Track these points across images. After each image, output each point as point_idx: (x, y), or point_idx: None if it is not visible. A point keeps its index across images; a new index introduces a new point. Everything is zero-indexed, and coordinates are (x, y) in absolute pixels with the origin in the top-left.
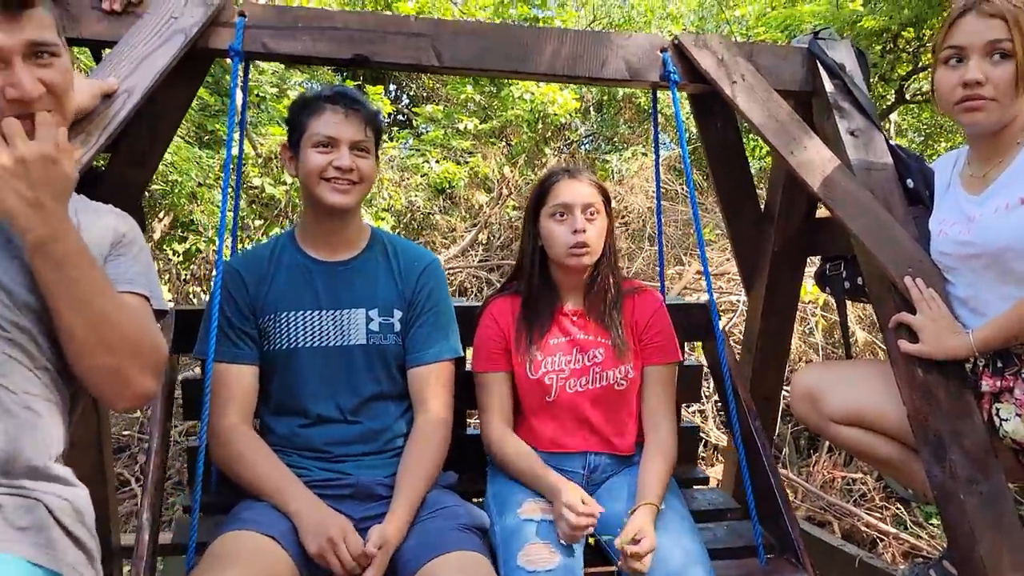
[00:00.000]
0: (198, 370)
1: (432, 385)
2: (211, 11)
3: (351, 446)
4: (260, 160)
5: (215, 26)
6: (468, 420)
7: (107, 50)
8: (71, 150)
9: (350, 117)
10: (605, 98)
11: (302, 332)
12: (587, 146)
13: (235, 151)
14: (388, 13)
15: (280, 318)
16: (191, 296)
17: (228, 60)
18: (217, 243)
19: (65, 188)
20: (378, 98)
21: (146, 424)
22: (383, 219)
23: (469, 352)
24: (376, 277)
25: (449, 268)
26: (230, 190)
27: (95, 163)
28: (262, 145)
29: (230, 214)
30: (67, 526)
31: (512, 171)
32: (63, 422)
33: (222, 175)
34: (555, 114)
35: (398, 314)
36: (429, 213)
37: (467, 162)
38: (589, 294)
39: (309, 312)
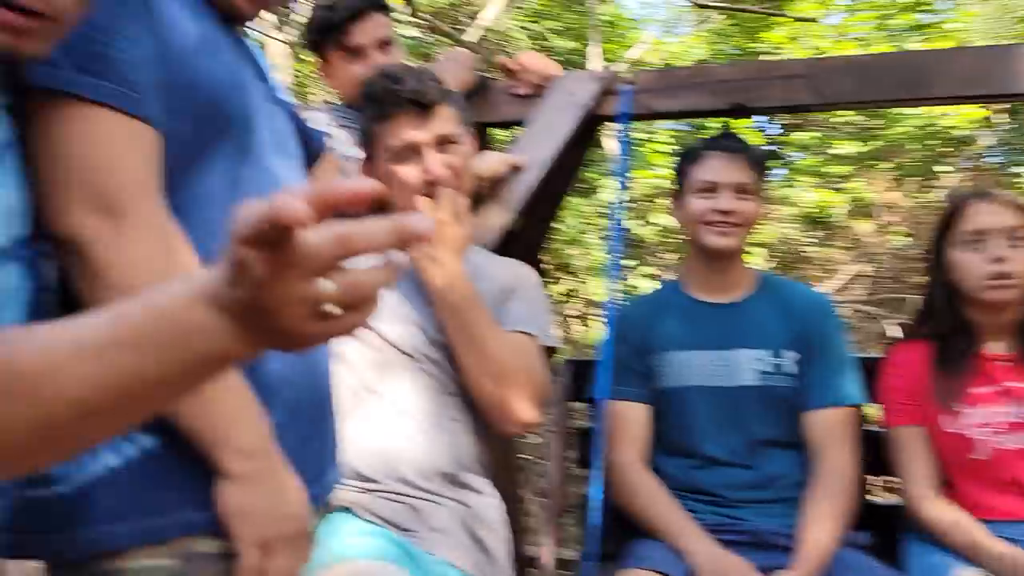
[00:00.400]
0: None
1: (833, 432)
2: (602, 83)
3: (744, 491)
4: (629, 203)
5: (606, 95)
6: (871, 484)
7: (518, 128)
8: (466, 217)
9: (731, 161)
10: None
11: (691, 371)
12: (995, 159)
13: (617, 200)
14: (764, 60)
15: (669, 357)
16: (572, 334)
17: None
18: (607, 286)
19: (459, 246)
20: (746, 131)
21: (543, 448)
22: (751, 254)
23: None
24: (765, 318)
25: None
26: (613, 234)
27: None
28: (631, 189)
29: (611, 257)
30: (476, 531)
31: (900, 195)
32: (473, 440)
33: (600, 220)
34: (953, 127)
35: (791, 355)
36: (802, 245)
37: (845, 188)
38: (1021, 334)
39: (697, 352)
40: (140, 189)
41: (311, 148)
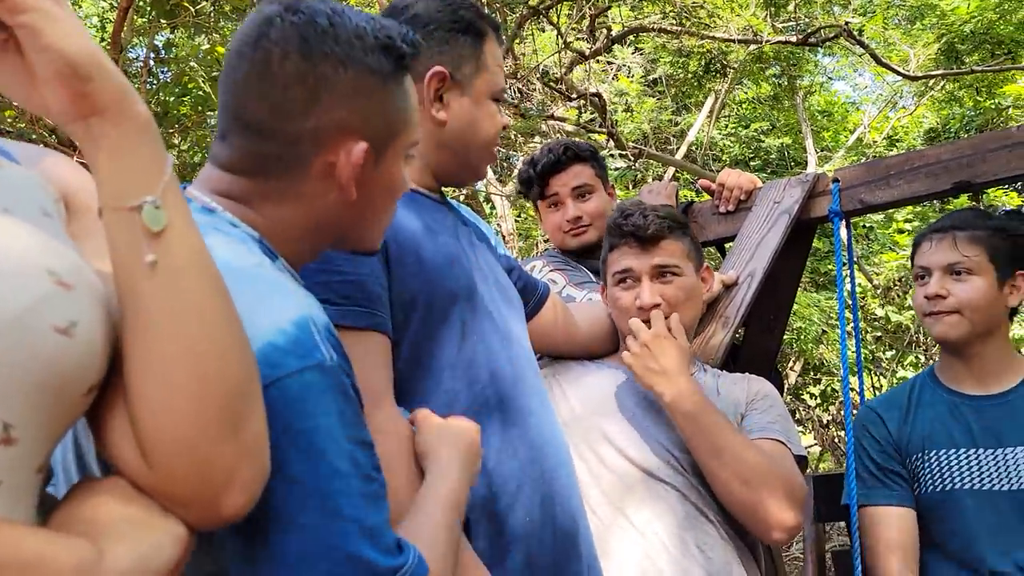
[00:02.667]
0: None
1: None
2: (807, 187)
3: None
4: (879, 290)
5: (812, 198)
6: None
7: (728, 244)
8: (681, 330)
9: (940, 241)
10: None
11: (960, 473)
12: None
13: (847, 298)
14: (985, 133)
15: (929, 457)
16: (836, 440)
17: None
18: (842, 383)
19: (680, 357)
20: (1000, 193)
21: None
22: None
23: None
24: None
25: None
26: (848, 329)
27: (735, 339)
28: (877, 275)
29: (852, 353)
30: None
31: None
32: (746, 568)
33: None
34: None
35: None
36: None
37: None
38: None
39: (964, 450)
40: (374, 393)
41: (536, 294)
